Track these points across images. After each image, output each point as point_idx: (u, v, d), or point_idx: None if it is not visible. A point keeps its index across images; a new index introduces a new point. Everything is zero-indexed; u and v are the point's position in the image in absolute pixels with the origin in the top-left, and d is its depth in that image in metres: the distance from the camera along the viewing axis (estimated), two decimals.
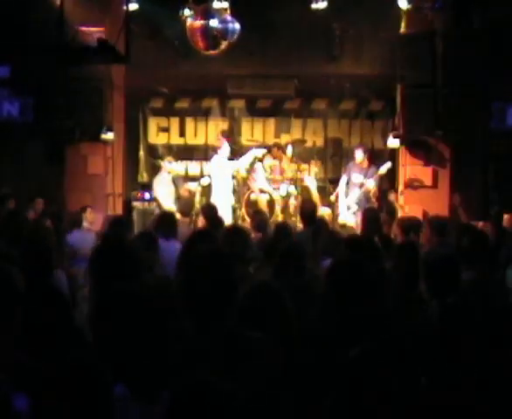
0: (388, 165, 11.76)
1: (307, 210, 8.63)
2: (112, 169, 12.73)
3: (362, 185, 11.61)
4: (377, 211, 9.09)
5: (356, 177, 11.75)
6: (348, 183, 11.89)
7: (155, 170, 13.53)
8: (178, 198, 12.60)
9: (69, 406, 2.55)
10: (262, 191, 12.71)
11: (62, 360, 2.72)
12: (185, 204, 12.48)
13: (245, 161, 12.71)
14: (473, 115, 11.44)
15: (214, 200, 11.88)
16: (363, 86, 13.21)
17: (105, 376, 2.67)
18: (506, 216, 10.06)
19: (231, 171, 12.49)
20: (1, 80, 11.71)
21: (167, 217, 8.00)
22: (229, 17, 10.93)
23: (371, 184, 11.52)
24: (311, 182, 12.88)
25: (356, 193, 11.65)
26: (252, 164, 13.01)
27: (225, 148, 12.42)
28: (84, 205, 10.77)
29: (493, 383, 3.25)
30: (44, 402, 2.60)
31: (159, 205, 12.27)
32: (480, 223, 9.84)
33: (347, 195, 11.80)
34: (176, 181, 12.74)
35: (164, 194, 12.41)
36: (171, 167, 12.76)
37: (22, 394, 2.84)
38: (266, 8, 11.98)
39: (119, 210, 12.45)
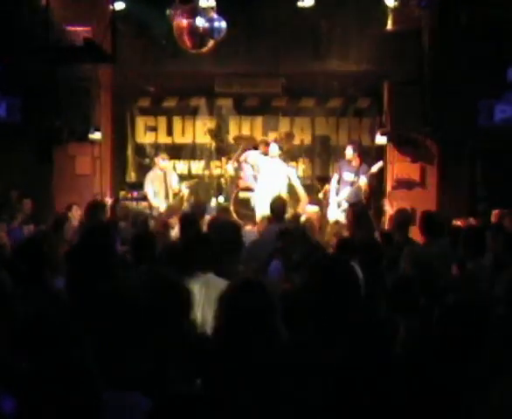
0: (380, 164, 11.72)
1: (277, 206, 8.50)
2: (100, 169, 12.72)
3: (353, 183, 11.60)
4: (365, 207, 9.07)
5: (348, 175, 11.73)
6: (339, 182, 11.88)
7: (143, 169, 13.50)
8: (174, 195, 12.52)
9: (56, 408, 2.54)
10: (250, 189, 12.67)
11: (50, 361, 2.71)
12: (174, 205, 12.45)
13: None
14: (460, 112, 11.45)
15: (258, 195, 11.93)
16: (351, 84, 13.21)
17: (95, 378, 2.66)
18: (494, 212, 10.08)
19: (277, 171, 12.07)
20: None
21: None
22: (215, 16, 10.91)
23: (363, 181, 11.50)
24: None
25: (347, 191, 11.63)
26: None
27: (274, 150, 12.08)
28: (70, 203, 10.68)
29: None
30: (31, 404, 2.59)
31: (149, 202, 12.25)
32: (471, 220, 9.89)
33: (338, 193, 11.78)
34: (169, 178, 12.66)
35: (155, 191, 12.38)
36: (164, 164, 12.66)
37: (8, 395, 2.83)
38: (253, 6, 11.96)
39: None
